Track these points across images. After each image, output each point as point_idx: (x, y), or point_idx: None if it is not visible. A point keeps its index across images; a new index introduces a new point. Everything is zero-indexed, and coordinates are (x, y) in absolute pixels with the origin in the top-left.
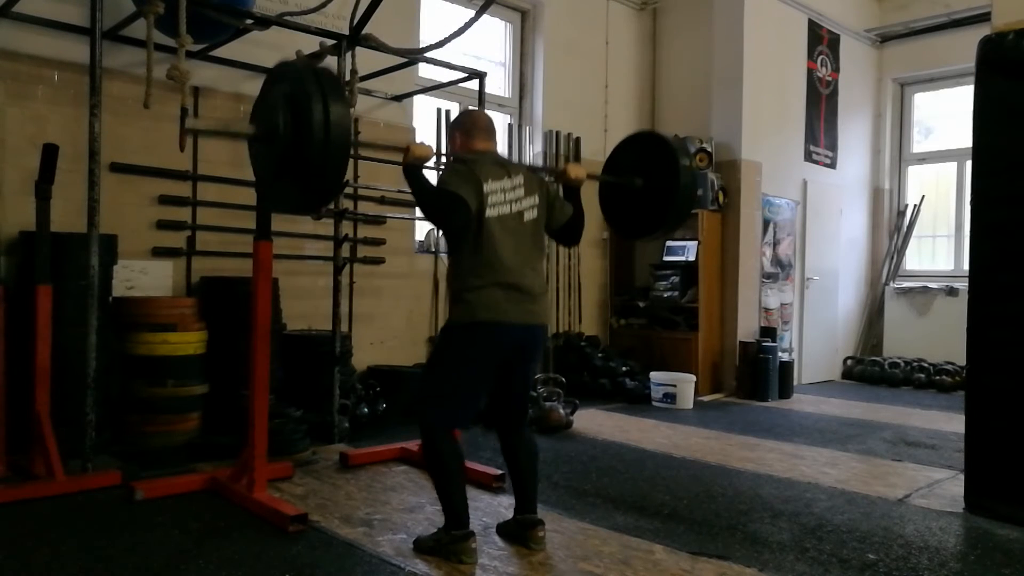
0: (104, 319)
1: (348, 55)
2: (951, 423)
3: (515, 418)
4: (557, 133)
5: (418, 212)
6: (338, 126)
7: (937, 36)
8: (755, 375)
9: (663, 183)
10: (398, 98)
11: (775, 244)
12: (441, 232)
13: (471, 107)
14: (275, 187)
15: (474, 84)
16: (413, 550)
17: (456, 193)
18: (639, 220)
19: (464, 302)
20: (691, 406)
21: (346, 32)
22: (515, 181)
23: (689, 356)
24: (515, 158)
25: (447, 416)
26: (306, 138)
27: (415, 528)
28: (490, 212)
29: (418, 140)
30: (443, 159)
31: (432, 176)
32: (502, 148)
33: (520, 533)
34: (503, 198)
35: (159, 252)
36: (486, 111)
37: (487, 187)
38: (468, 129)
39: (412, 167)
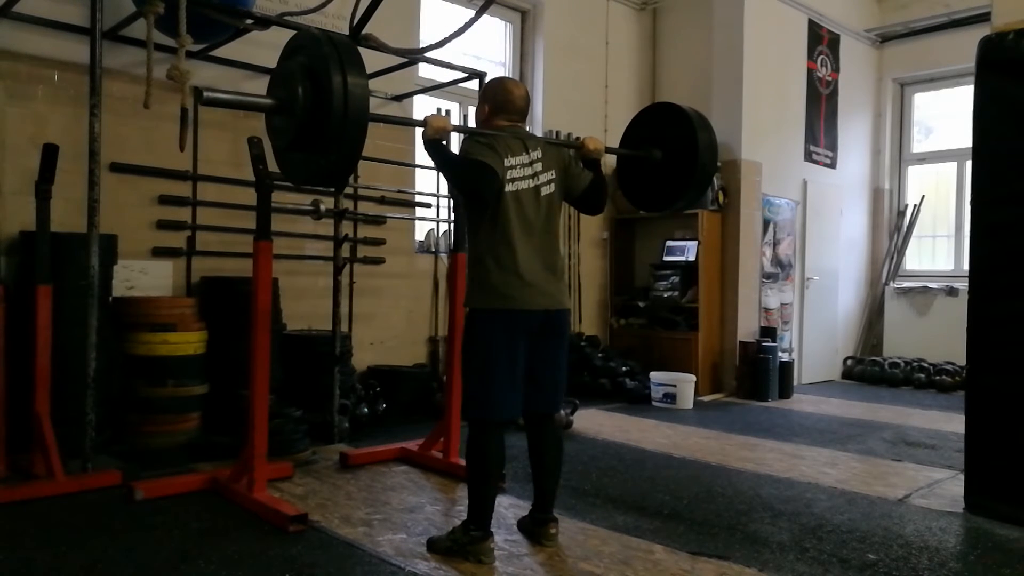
0: (104, 319)
1: None
2: (951, 423)
3: (541, 408)
4: (557, 133)
5: (418, 212)
6: (356, 96)
7: (937, 36)
8: (755, 375)
9: (682, 157)
10: (398, 98)
11: (775, 244)
12: (468, 206)
13: (509, 78)
14: (293, 158)
15: (474, 84)
16: (427, 551)
17: (484, 161)
18: (658, 192)
19: (481, 286)
20: (691, 406)
21: (346, 32)
22: (533, 156)
23: (689, 356)
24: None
25: (492, 406)
26: (325, 108)
27: (415, 528)
28: (509, 187)
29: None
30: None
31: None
32: None
33: (534, 529)
34: (521, 173)
35: (159, 252)
36: (519, 84)
37: (507, 162)
38: (500, 106)
39: (433, 140)
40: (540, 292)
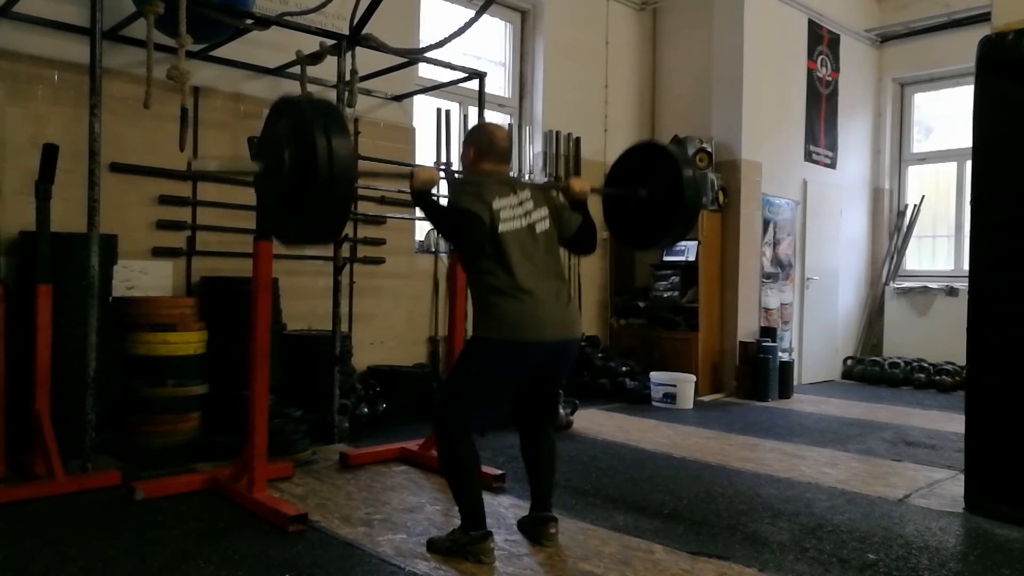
0: (104, 319)
1: (348, 55)
2: (951, 423)
3: (542, 420)
4: (557, 133)
5: (418, 212)
6: (341, 158)
7: (937, 36)
8: (755, 375)
9: (667, 194)
10: (398, 98)
11: (775, 244)
12: (459, 252)
13: (492, 123)
14: (281, 220)
15: (474, 84)
16: (427, 551)
17: (470, 210)
18: (645, 230)
19: (491, 317)
20: (691, 406)
21: (346, 32)
22: (521, 196)
23: (689, 356)
24: (515, 161)
25: (467, 423)
26: (310, 171)
27: (415, 528)
28: (503, 227)
29: (418, 164)
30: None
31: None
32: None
33: (534, 529)
34: (512, 213)
35: (159, 252)
36: (502, 127)
37: (496, 204)
38: (484, 150)
39: (420, 193)
40: (552, 321)
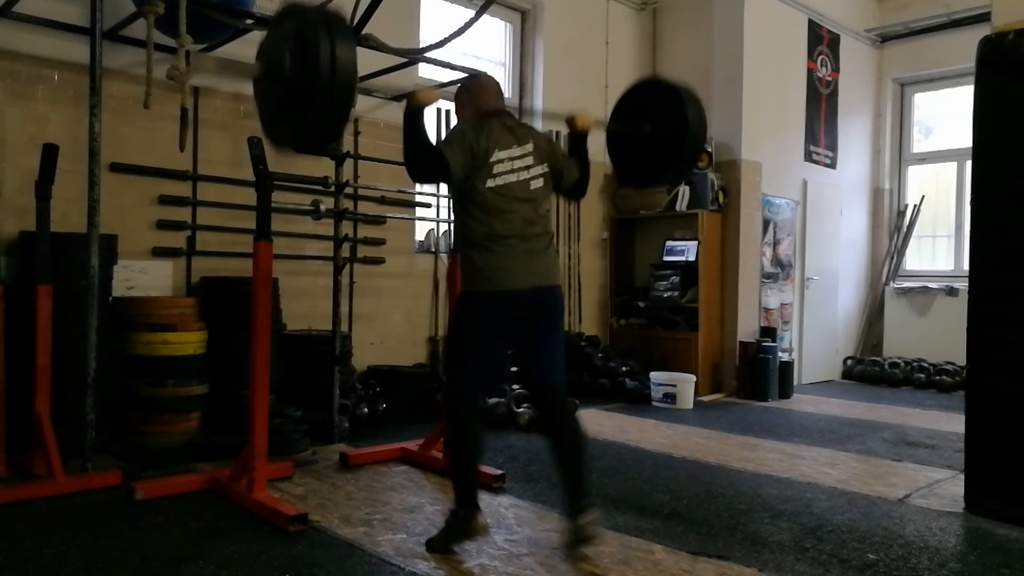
0: (104, 319)
1: None
2: (951, 423)
3: (547, 394)
4: (557, 133)
5: (418, 212)
6: (344, 63)
7: (937, 36)
8: (755, 375)
9: (671, 131)
10: (398, 98)
11: (775, 244)
12: (409, 171)
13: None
14: (277, 125)
15: None
16: (427, 550)
17: (442, 153)
18: (647, 168)
19: (470, 270)
20: (691, 406)
21: None
22: (524, 149)
23: (689, 356)
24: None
25: (469, 386)
26: (312, 75)
27: (415, 528)
28: (494, 182)
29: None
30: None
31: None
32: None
33: (570, 524)
34: (509, 167)
35: (159, 252)
36: (483, 74)
37: (495, 155)
38: (476, 93)
39: (413, 111)
40: (528, 271)
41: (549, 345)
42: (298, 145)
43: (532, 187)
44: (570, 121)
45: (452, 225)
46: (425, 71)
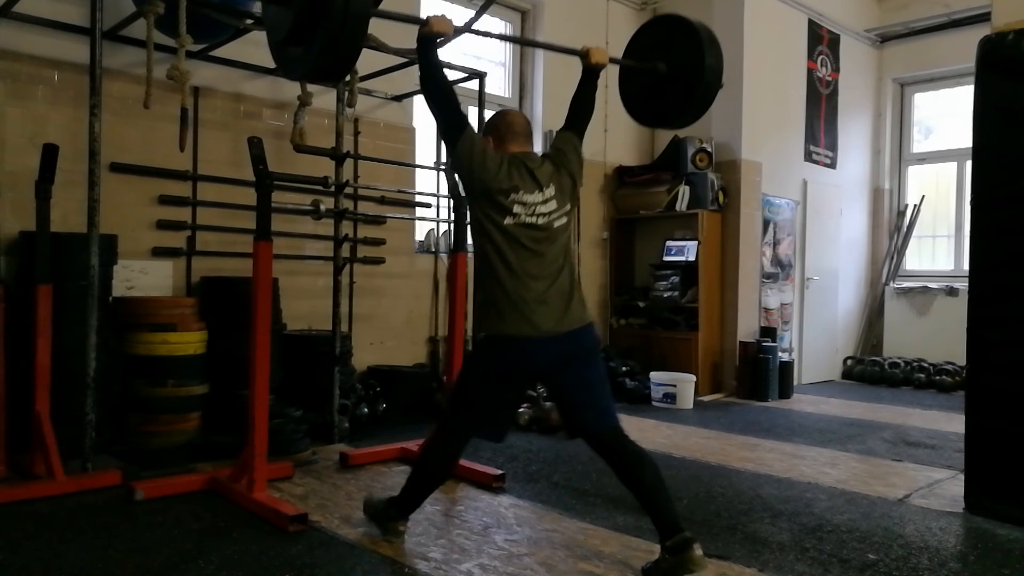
0: (104, 319)
1: None
2: (951, 423)
3: (599, 429)
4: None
5: (418, 212)
6: None
7: (937, 36)
8: (755, 375)
9: (687, 72)
10: (398, 98)
11: (775, 244)
12: (440, 125)
13: (505, 108)
14: (287, 52)
15: (474, 84)
16: (363, 507)
17: (469, 124)
18: (658, 108)
19: (489, 313)
20: (691, 406)
21: None
22: (547, 193)
23: (689, 356)
24: None
25: (469, 428)
26: (325, 4)
27: (415, 528)
28: (513, 220)
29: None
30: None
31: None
32: None
33: (675, 561)
34: (531, 210)
35: (159, 252)
36: (515, 110)
37: (513, 195)
38: (503, 132)
39: (427, 39)
40: (553, 316)
41: (592, 387)
42: (309, 76)
43: (555, 226)
44: (584, 55)
45: (452, 225)
46: None
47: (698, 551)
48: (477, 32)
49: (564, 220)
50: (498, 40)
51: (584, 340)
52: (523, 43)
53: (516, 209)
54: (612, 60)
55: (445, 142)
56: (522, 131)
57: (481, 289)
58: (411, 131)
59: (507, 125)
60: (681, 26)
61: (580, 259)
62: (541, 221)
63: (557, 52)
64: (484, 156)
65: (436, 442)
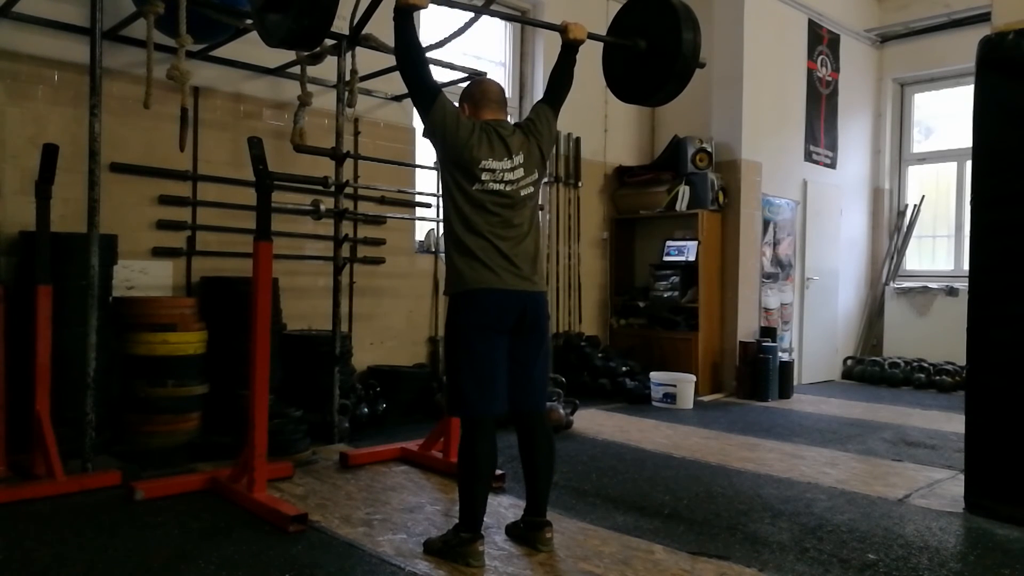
0: (104, 319)
1: (348, 55)
2: (951, 423)
3: (526, 402)
4: (557, 133)
5: (418, 212)
6: None
7: (937, 36)
8: (755, 375)
9: (665, 49)
10: (398, 98)
11: (775, 244)
12: (411, 91)
13: (479, 78)
14: (267, 18)
15: None
16: (423, 551)
17: (441, 94)
18: (639, 83)
19: (460, 271)
20: (691, 406)
21: (346, 32)
22: (516, 160)
23: (689, 356)
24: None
25: (467, 402)
26: None
27: (415, 528)
28: (480, 187)
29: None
30: None
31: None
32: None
33: (528, 535)
34: (498, 176)
35: (159, 252)
36: (489, 79)
37: (484, 163)
38: (477, 99)
39: (403, 10)
40: (513, 275)
41: (533, 362)
42: (287, 42)
43: (522, 194)
44: (563, 30)
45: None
46: None
47: (548, 534)
48: (450, 4)
49: (531, 189)
50: (471, 12)
51: (540, 307)
52: (501, 17)
53: (484, 176)
54: (592, 36)
55: (418, 109)
56: (496, 99)
57: (449, 250)
58: (411, 131)
59: (482, 93)
60: (659, 4)
61: (580, 259)
62: (508, 189)
63: (538, 27)
64: (457, 123)
65: (464, 444)
